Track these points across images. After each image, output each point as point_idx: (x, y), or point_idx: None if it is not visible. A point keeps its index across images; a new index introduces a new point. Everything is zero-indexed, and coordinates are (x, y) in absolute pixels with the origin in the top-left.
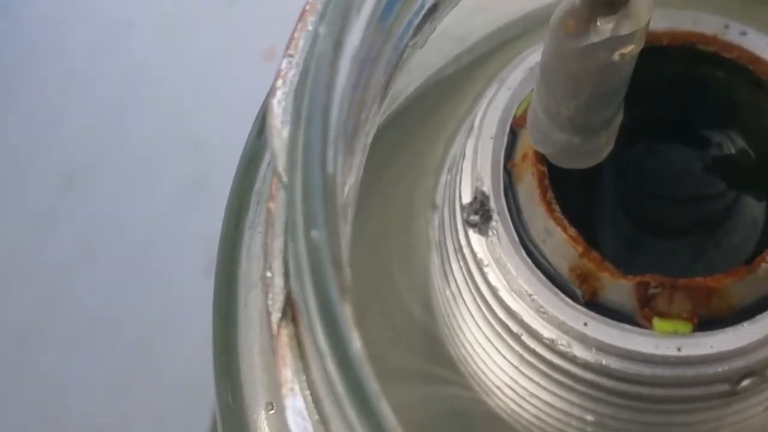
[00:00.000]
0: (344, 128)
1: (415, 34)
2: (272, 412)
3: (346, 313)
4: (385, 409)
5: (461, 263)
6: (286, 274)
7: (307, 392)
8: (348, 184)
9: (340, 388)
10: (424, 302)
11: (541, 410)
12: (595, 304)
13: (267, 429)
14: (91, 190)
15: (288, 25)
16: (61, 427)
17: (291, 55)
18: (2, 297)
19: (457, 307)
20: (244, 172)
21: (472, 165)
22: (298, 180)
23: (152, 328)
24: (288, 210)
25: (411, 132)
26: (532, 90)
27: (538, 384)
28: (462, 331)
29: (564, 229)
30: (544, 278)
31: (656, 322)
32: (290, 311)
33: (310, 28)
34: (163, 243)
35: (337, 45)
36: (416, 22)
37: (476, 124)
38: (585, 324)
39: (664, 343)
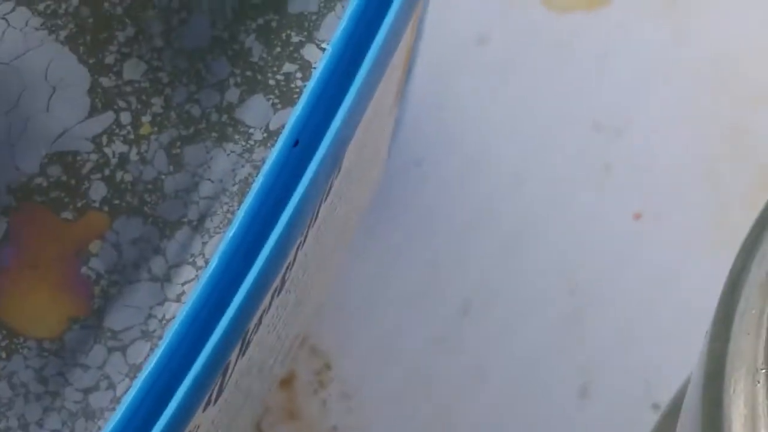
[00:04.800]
0: None
1: None
2: None
3: None
4: None
5: None
6: None
7: None
8: None
9: None
10: None
11: None
12: None
13: None
14: (485, 316)
15: (656, 191)
16: None
17: None
18: (401, 410)
19: None
20: (734, 282)
21: None
22: None
23: None
24: None
25: None
26: None
27: None
28: None
29: None
30: None
31: None
32: None
33: None
34: (543, 368)
35: None
36: None
37: None
38: None
39: None
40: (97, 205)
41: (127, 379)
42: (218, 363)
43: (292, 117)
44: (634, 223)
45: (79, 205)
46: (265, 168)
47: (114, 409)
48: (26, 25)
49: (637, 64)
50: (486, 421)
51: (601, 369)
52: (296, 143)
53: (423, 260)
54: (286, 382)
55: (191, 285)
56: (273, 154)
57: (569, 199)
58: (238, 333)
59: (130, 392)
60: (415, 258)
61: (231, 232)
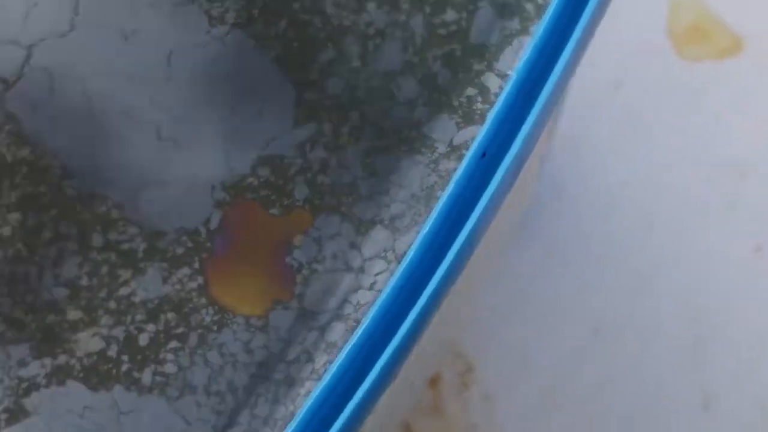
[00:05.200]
0: None
1: None
2: None
3: None
4: None
5: None
6: None
7: None
8: None
9: None
10: None
11: None
12: None
13: None
14: (613, 338)
15: None
16: None
17: None
18: (536, 415)
19: None
20: None
21: None
22: None
23: None
24: None
25: None
26: None
27: None
28: None
29: None
30: None
31: None
32: None
33: None
34: (667, 389)
35: None
36: None
37: None
38: None
39: None
40: (300, 203)
41: (324, 355)
42: (406, 347)
43: (481, 131)
44: (754, 255)
45: (285, 203)
46: (457, 175)
47: (313, 379)
48: (241, 45)
49: (762, 109)
50: (612, 427)
51: (720, 392)
52: (484, 155)
53: (558, 283)
54: (433, 382)
55: (383, 276)
56: (463, 163)
57: (694, 234)
58: (425, 321)
59: (331, 367)
60: (551, 281)
61: (425, 229)
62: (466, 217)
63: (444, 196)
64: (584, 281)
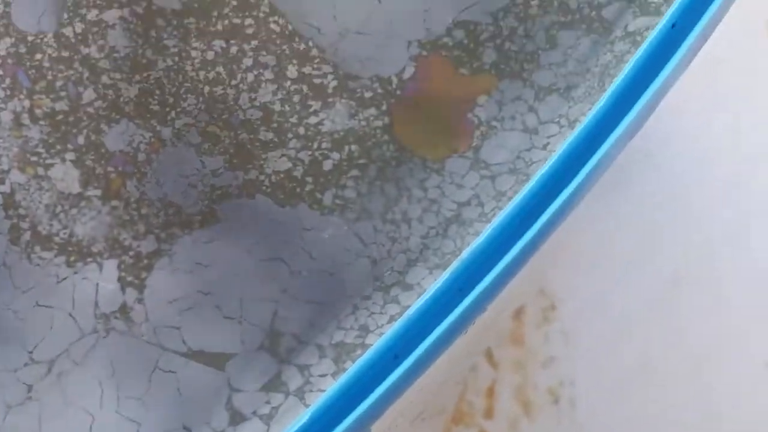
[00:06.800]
0: None
1: None
2: None
3: None
4: None
5: None
6: None
7: None
8: None
9: None
10: None
11: None
12: None
13: None
14: (692, 288)
15: None
16: None
17: None
18: (609, 352)
19: None
20: None
21: None
22: None
23: None
24: None
25: None
26: None
27: None
28: None
29: None
30: None
31: None
32: None
33: None
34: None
35: None
36: None
37: None
38: None
39: None
40: (487, 67)
41: (493, 201)
42: (572, 201)
43: (674, 3)
44: None
45: (474, 65)
46: (645, 44)
47: (482, 221)
48: None
49: None
50: (683, 372)
51: None
52: (673, 25)
53: (643, 231)
54: (517, 314)
55: (555, 138)
56: (652, 34)
57: None
58: (593, 178)
59: (500, 213)
60: (636, 228)
61: (601, 102)
62: (645, 87)
63: (632, 61)
64: (668, 231)
